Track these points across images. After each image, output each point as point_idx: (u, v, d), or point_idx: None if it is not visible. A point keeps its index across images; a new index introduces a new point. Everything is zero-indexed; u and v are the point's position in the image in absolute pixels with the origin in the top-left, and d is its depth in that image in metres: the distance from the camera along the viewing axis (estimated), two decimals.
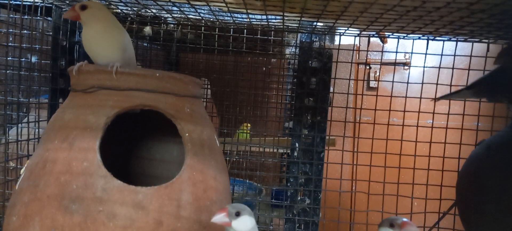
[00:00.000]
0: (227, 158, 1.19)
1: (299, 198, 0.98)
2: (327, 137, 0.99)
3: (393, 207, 1.00)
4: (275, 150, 1.27)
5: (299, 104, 0.98)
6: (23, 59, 1.04)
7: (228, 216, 0.55)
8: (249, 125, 1.40)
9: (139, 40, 1.13)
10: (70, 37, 0.98)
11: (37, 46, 1.06)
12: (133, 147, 0.86)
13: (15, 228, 0.58)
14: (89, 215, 0.56)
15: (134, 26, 1.05)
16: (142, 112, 0.74)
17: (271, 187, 1.36)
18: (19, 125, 0.97)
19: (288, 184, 0.99)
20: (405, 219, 0.58)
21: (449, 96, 0.94)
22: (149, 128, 0.85)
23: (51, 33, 0.97)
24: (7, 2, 0.83)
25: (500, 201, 0.73)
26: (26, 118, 1.04)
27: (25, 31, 1.05)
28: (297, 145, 0.98)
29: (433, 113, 1.02)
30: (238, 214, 0.56)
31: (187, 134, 0.65)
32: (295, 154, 0.98)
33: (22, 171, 0.64)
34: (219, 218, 0.55)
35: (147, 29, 1.05)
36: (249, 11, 0.83)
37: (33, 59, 1.08)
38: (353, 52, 1.07)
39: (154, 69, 0.65)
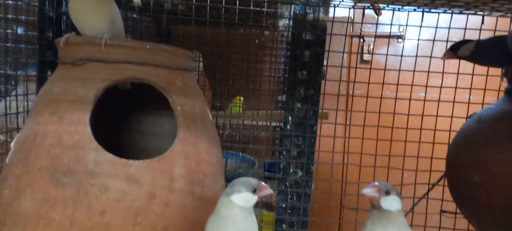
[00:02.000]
0: (220, 131, 1.19)
1: (291, 171, 0.99)
2: (320, 110, 0.99)
3: (384, 179, 1.01)
4: (268, 123, 1.27)
5: (292, 78, 0.97)
6: (9, 31, 1.01)
7: (378, 192, 0.56)
8: (241, 98, 1.39)
9: (128, 11, 1.10)
10: (57, 7, 0.96)
11: (23, 17, 1.03)
12: (124, 120, 0.85)
13: (7, 201, 0.58)
14: (81, 188, 0.56)
15: None
16: (132, 85, 0.73)
17: (264, 160, 1.37)
18: (8, 98, 0.95)
19: (281, 157, 0.99)
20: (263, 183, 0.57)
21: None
22: (141, 101, 0.84)
23: (37, 4, 0.94)
24: None
25: (488, 173, 0.74)
26: (15, 91, 1.02)
27: (10, 2, 1.01)
28: (290, 118, 0.98)
29: (426, 86, 1.02)
30: (388, 192, 0.56)
31: (179, 107, 0.64)
32: (288, 127, 0.98)
33: (12, 144, 0.64)
34: (370, 191, 0.57)
35: (136, 0, 1.03)
36: None
37: (20, 30, 1.05)
38: (347, 25, 1.06)
39: (144, 42, 0.64)
